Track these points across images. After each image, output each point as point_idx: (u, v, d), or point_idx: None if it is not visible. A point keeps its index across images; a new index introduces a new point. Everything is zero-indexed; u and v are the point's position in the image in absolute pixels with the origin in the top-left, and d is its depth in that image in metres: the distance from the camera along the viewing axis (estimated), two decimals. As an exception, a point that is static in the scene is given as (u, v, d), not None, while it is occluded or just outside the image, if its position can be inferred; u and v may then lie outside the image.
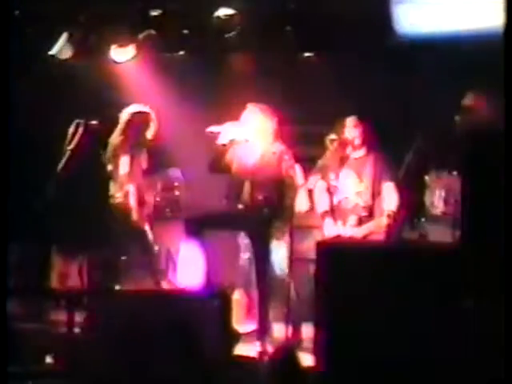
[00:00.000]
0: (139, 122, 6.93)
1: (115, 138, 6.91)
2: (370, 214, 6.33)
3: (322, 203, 6.47)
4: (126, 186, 6.79)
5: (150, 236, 6.85)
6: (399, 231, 6.21)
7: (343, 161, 6.43)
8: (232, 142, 6.45)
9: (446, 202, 6.46)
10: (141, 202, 6.89)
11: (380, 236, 6.23)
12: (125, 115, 6.95)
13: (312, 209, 6.54)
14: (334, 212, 6.43)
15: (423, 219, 6.48)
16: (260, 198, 6.37)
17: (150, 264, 6.84)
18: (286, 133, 6.60)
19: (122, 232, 6.78)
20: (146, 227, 6.84)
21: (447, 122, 6.65)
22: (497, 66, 4.50)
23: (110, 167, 6.88)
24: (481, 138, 4.57)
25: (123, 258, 6.81)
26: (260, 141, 6.49)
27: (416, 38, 6.92)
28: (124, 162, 6.81)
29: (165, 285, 6.86)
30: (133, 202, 6.79)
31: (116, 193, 6.81)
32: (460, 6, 6.78)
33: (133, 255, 6.85)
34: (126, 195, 6.78)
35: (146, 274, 6.82)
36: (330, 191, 6.45)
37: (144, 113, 6.97)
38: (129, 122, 6.91)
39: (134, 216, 6.78)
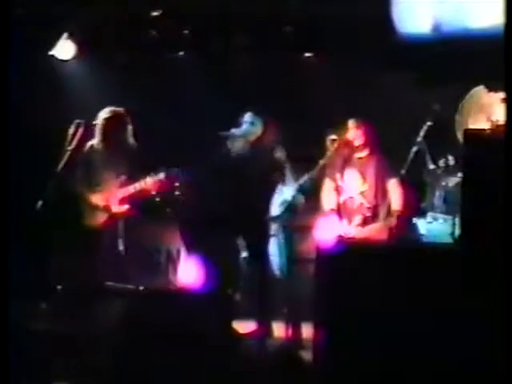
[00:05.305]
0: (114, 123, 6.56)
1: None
2: (375, 214, 6.31)
3: (329, 202, 6.46)
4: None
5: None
6: (401, 232, 6.20)
7: (347, 161, 6.42)
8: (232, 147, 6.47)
9: (445, 202, 6.47)
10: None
11: (384, 236, 6.21)
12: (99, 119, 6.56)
13: (313, 207, 6.54)
14: (339, 210, 6.42)
15: (423, 219, 6.50)
16: (258, 197, 6.38)
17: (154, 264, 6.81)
18: (285, 133, 6.60)
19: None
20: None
21: (448, 121, 6.66)
22: (497, 66, 4.50)
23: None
24: (481, 138, 4.57)
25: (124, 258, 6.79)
26: (256, 140, 6.50)
27: (416, 38, 6.93)
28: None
29: (166, 284, 6.86)
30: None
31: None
32: (460, 5, 6.80)
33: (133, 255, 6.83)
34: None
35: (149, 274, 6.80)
36: (338, 190, 6.45)
37: (118, 114, 6.59)
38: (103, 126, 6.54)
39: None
